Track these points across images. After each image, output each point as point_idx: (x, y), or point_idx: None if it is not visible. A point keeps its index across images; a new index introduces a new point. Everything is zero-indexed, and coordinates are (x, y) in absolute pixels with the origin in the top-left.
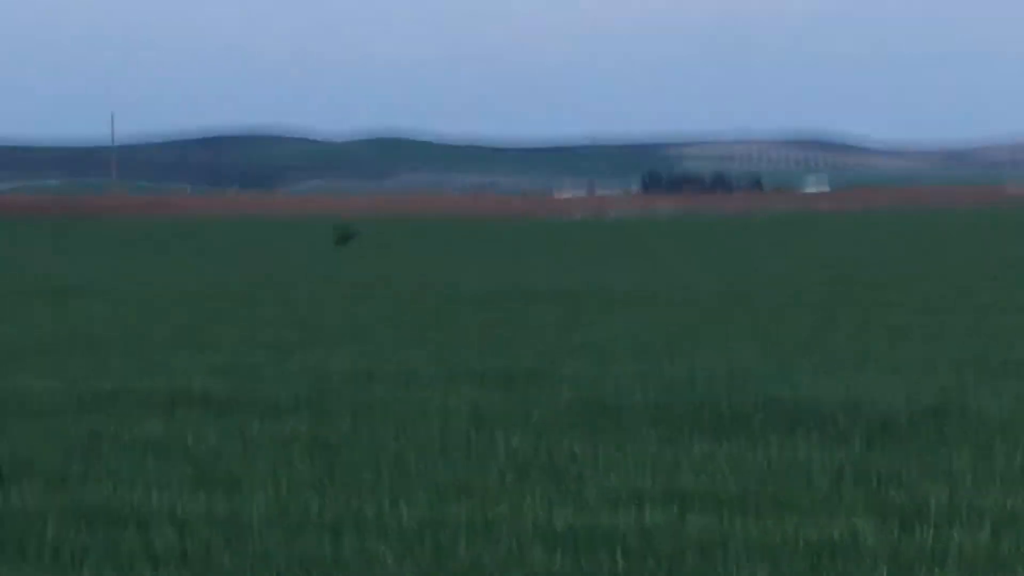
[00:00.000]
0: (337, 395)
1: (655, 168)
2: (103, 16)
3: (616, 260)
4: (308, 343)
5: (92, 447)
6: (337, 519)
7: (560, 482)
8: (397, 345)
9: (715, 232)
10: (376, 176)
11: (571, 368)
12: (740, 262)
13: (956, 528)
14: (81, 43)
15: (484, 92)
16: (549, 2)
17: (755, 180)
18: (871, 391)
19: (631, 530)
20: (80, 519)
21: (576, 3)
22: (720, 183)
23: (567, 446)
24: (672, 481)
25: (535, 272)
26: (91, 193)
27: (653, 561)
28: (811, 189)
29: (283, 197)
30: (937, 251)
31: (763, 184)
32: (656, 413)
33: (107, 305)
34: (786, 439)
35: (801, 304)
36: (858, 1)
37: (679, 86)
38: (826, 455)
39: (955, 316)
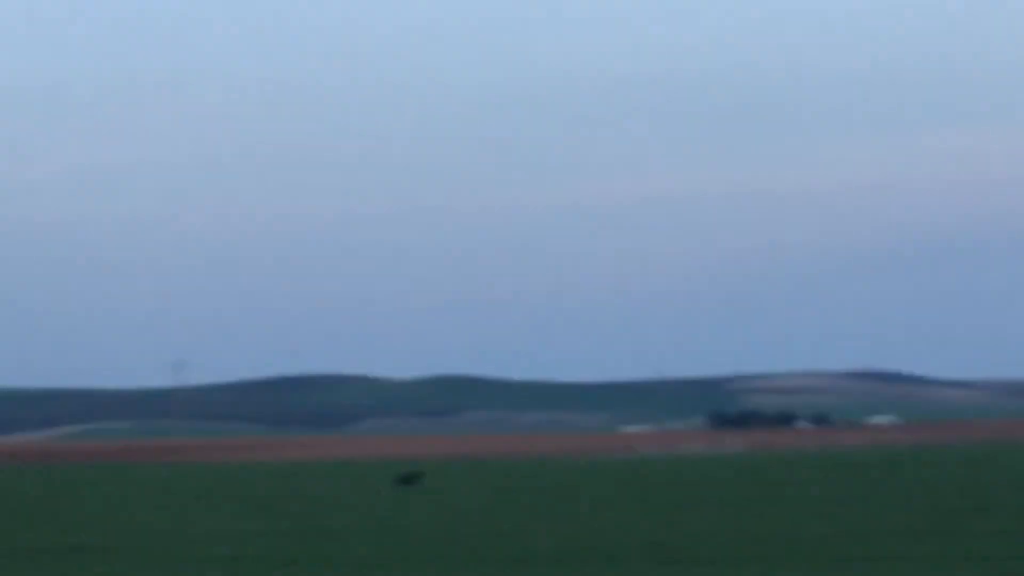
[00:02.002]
0: None
1: (721, 403)
2: (174, 271)
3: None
4: None
5: None
6: None
7: None
8: None
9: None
10: (440, 415)
11: None
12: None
13: None
14: (148, 291)
15: (547, 330)
16: (613, 241)
17: (822, 416)
18: None
19: None
20: None
21: (625, 253)
22: (787, 418)
23: None
24: None
25: (613, 523)
26: (157, 436)
27: None
28: (879, 421)
29: (345, 438)
30: None
31: (830, 420)
32: None
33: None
34: None
35: None
36: (913, 241)
37: (743, 322)
38: None
39: None
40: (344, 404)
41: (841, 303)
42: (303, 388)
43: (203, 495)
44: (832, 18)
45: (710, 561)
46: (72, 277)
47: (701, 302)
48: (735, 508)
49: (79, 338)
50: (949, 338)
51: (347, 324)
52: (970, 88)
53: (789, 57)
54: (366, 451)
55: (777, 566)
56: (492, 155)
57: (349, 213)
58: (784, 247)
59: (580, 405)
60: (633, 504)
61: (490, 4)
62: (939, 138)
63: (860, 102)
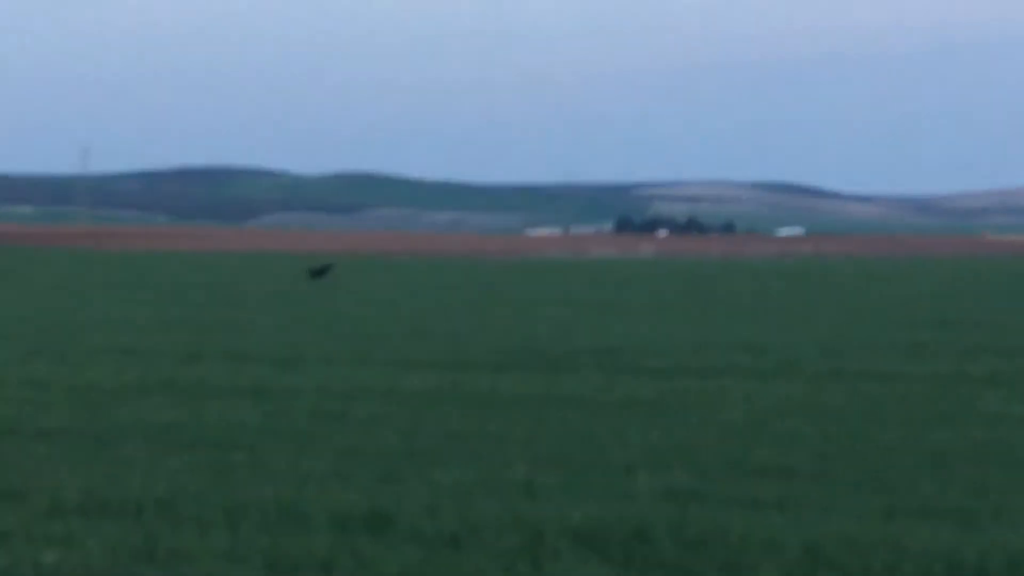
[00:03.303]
0: None
1: (627, 209)
2: (80, 52)
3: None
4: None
5: None
6: None
7: None
8: None
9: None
10: (345, 211)
11: None
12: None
13: None
14: (55, 78)
15: (457, 131)
16: (521, 45)
17: (728, 224)
18: None
19: None
20: None
21: (549, 46)
22: (694, 226)
23: None
24: None
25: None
26: (63, 223)
27: None
28: (785, 233)
29: (250, 231)
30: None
31: (736, 228)
32: None
33: None
34: None
35: None
36: (832, 52)
37: (650, 129)
38: None
39: None
40: (248, 198)
41: (750, 114)
42: (208, 180)
43: (104, 282)
44: None
45: (658, 370)
46: None
47: (612, 108)
48: (667, 313)
49: None
50: (855, 153)
51: (254, 117)
52: None
53: None
54: (271, 244)
55: (731, 374)
56: None
57: None
58: (697, 56)
59: (487, 206)
60: (557, 305)
61: None
62: None
63: None
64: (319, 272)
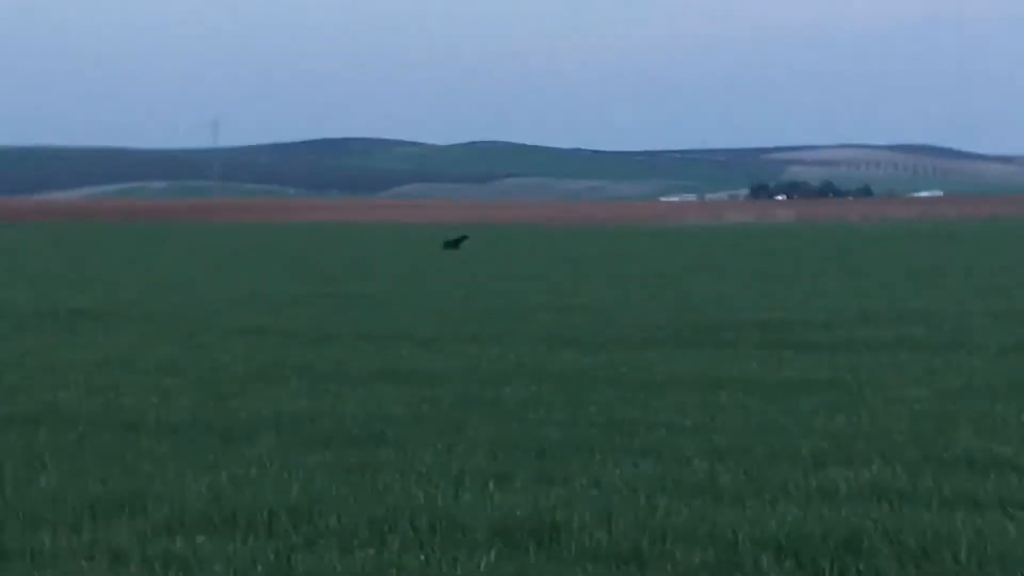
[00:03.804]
0: None
1: (761, 175)
2: (209, 23)
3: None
4: None
5: None
6: None
7: None
8: None
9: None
10: (479, 181)
11: None
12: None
13: None
14: (186, 51)
15: (588, 98)
16: (656, 10)
17: (864, 188)
18: None
19: None
20: None
21: (684, 11)
22: (830, 190)
23: None
24: None
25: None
26: (195, 196)
27: None
28: (924, 195)
29: (384, 202)
30: None
31: (873, 193)
32: None
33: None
34: None
35: None
36: (967, 10)
37: (784, 94)
38: None
39: None
40: (380, 169)
41: (885, 77)
42: (340, 151)
43: (236, 257)
44: None
45: (825, 344)
46: (109, 36)
47: (745, 74)
48: (819, 281)
49: (116, 97)
50: (993, 113)
51: (386, 88)
52: None
53: None
54: (405, 216)
55: (906, 348)
56: None
57: None
58: (830, 21)
59: (620, 174)
60: (705, 275)
61: None
62: None
63: None
64: (453, 243)
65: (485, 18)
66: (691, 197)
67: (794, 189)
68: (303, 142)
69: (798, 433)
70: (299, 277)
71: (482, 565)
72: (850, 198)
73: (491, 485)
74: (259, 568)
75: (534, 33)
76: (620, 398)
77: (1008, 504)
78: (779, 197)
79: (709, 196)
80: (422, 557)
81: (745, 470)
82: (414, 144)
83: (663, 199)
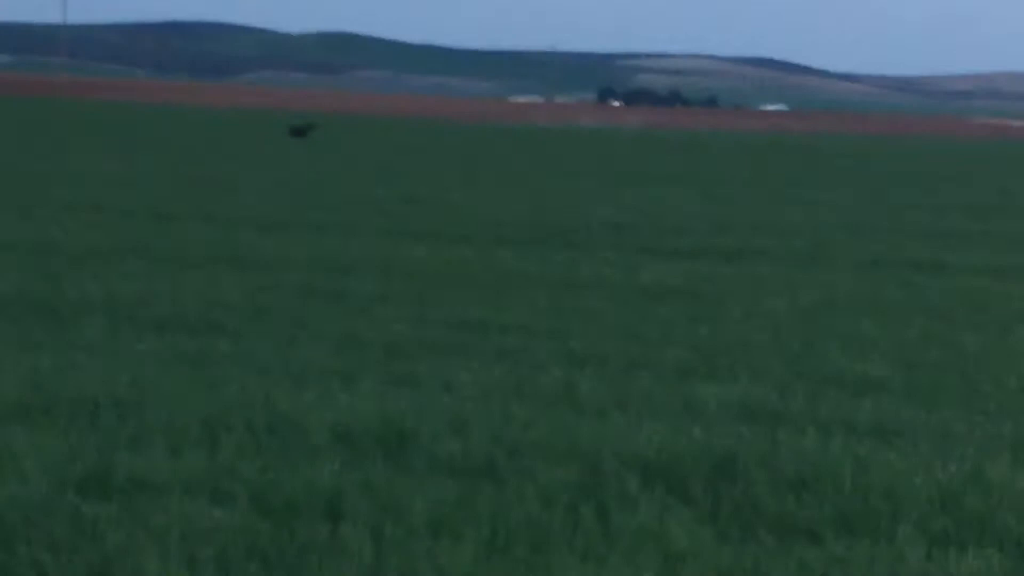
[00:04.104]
0: None
1: (609, 80)
2: None
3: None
4: None
5: None
6: None
7: None
8: None
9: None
10: (328, 71)
11: None
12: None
13: None
14: None
15: None
16: None
17: (711, 99)
18: None
19: None
20: None
21: None
22: (676, 99)
23: None
24: None
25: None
26: (40, 72)
27: None
28: (769, 108)
29: (232, 86)
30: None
31: (719, 104)
32: None
33: None
34: None
35: None
36: None
37: (635, 2)
38: None
39: None
40: (231, 54)
41: None
42: (189, 34)
43: (77, 134)
44: None
45: (682, 251)
46: None
47: None
48: (672, 187)
49: None
50: (840, 30)
51: None
52: None
53: None
54: (253, 101)
55: (764, 260)
56: None
57: None
58: None
59: (469, 71)
60: (555, 176)
61: None
62: None
63: None
64: (301, 130)
65: None
66: (539, 98)
67: (641, 96)
68: (152, 23)
69: (659, 341)
70: (141, 157)
71: (325, 475)
72: (696, 108)
73: (335, 384)
74: (78, 466)
75: None
76: (471, 297)
77: (886, 431)
78: (615, 103)
79: (557, 99)
80: (259, 463)
81: (605, 379)
82: (263, 31)
83: (511, 99)
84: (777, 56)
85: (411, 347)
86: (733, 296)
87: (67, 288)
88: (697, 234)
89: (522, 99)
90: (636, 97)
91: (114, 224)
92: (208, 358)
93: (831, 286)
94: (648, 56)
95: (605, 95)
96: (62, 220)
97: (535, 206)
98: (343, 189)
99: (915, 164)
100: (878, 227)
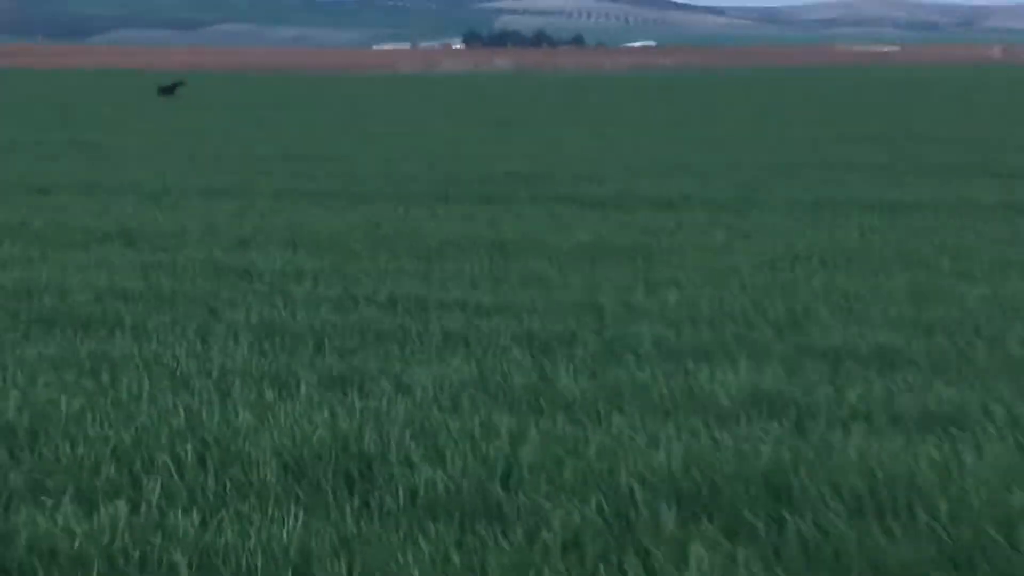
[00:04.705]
0: None
1: (476, 25)
2: None
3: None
4: None
5: None
6: None
7: None
8: None
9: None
10: (189, 27)
11: None
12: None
13: None
14: None
15: None
16: None
17: (577, 37)
18: None
19: None
20: None
21: None
22: (543, 39)
23: None
24: None
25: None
26: None
27: None
28: (636, 44)
29: (93, 48)
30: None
31: (585, 42)
32: None
33: None
34: None
35: None
36: None
37: None
38: None
39: None
40: (89, 14)
41: None
42: None
43: None
44: None
45: (605, 201)
46: None
47: None
48: (563, 132)
49: None
50: None
51: None
52: None
53: None
54: (115, 61)
55: (695, 207)
56: None
57: None
58: None
59: (331, 21)
60: (452, 125)
61: None
62: None
63: None
64: (169, 89)
65: None
66: (405, 45)
67: (506, 38)
68: None
69: (625, 316)
70: (4, 124)
71: (286, 530)
72: (563, 47)
73: (268, 393)
74: None
75: None
76: (396, 268)
77: (944, 422)
78: (454, 43)
79: (422, 44)
80: (197, 515)
81: (585, 370)
82: None
83: (376, 47)
84: None
85: (344, 336)
86: (684, 252)
87: None
88: (613, 181)
89: (387, 46)
90: (502, 39)
91: None
92: (109, 362)
93: (781, 234)
94: None
95: (470, 39)
96: None
97: (429, 158)
98: (223, 149)
99: (791, 95)
100: (799, 163)
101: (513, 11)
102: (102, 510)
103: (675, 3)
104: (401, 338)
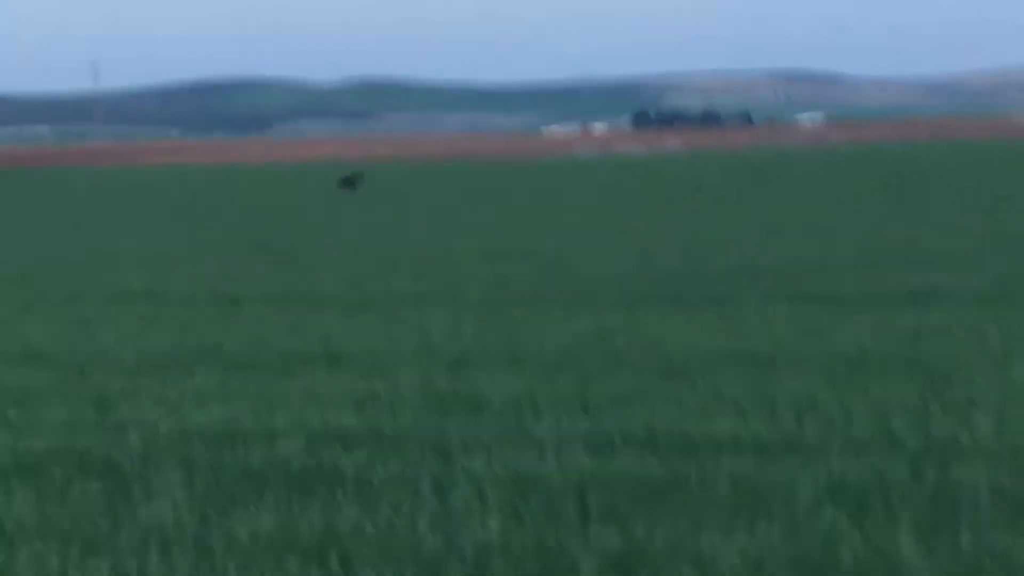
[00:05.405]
0: None
1: (643, 105)
2: None
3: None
4: None
5: None
6: None
7: None
8: None
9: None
10: (362, 117)
11: None
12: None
13: None
14: None
15: (466, 30)
16: None
17: (745, 115)
18: None
19: None
20: None
21: None
22: (711, 119)
23: None
24: None
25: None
26: (77, 141)
27: None
28: (807, 120)
29: (272, 142)
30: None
31: (753, 119)
32: None
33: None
34: None
35: None
36: None
37: (659, 24)
38: None
39: None
40: (263, 109)
41: (753, 2)
42: (220, 93)
43: (126, 202)
44: None
45: (861, 296)
46: None
47: (620, 2)
48: (770, 217)
49: None
50: (863, 35)
51: (263, 26)
52: None
53: None
54: (294, 154)
55: (948, 301)
56: None
57: None
58: None
59: (502, 106)
60: (659, 213)
61: None
62: None
63: None
64: (350, 181)
65: None
66: (574, 127)
67: (675, 117)
68: (182, 85)
69: (938, 454)
70: (186, 224)
71: None
72: (732, 125)
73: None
74: None
75: None
76: (642, 391)
77: None
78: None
79: (592, 126)
80: None
81: (923, 537)
82: (293, 83)
83: (546, 129)
84: (807, 67)
85: (611, 492)
86: (965, 360)
87: (122, 421)
88: (847, 273)
89: (557, 129)
90: (670, 119)
91: (176, 318)
92: (337, 540)
93: None
94: (677, 77)
95: (639, 119)
96: (110, 315)
97: (637, 248)
98: (417, 248)
99: (988, 167)
100: None
101: (680, 91)
102: None
103: (835, 75)
104: (682, 492)
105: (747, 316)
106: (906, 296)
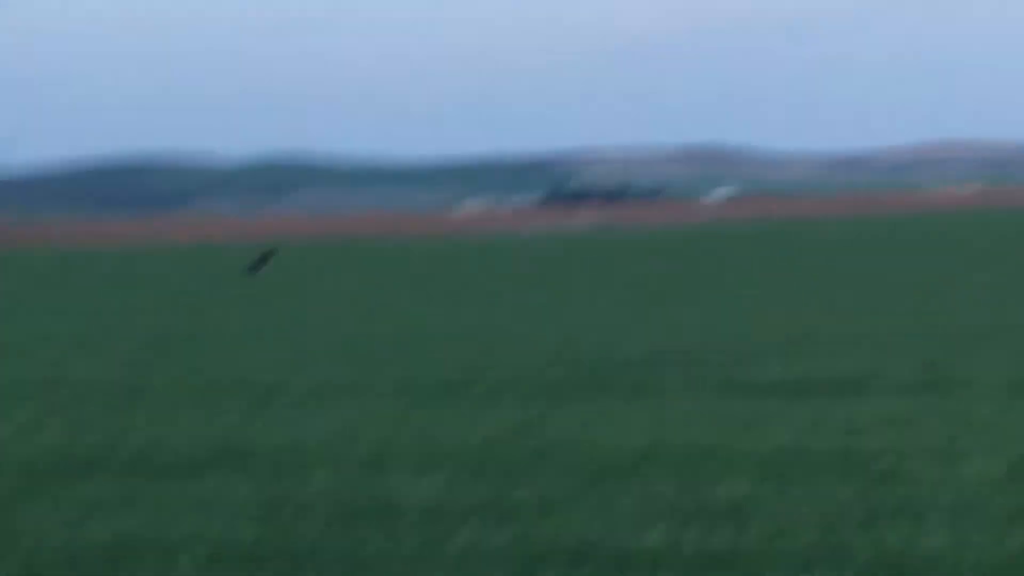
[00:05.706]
0: None
1: (556, 179)
2: None
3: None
4: None
5: None
6: None
7: None
8: None
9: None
10: (270, 195)
11: None
12: None
13: None
14: None
15: (371, 108)
16: (445, 19)
17: (655, 189)
18: None
19: None
20: None
21: (463, 27)
22: (622, 194)
23: None
24: None
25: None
26: None
27: None
28: (718, 196)
29: (177, 220)
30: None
31: (663, 194)
32: None
33: None
34: None
35: None
36: (745, 14)
37: (573, 97)
38: None
39: None
40: (167, 187)
41: (663, 77)
42: (125, 173)
43: (35, 284)
44: None
45: (776, 383)
46: None
47: (531, 79)
48: (682, 297)
49: None
50: (784, 110)
51: (169, 104)
52: None
53: None
54: (199, 233)
55: (879, 389)
56: None
57: None
58: (612, 22)
59: (413, 183)
60: (565, 296)
61: None
62: None
63: None
64: (260, 262)
65: (263, 24)
66: (485, 204)
67: (587, 192)
68: (83, 166)
69: (893, 570)
70: (97, 312)
71: None
72: (640, 200)
73: None
74: None
75: (319, 43)
76: (569, 498)
77: None
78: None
79: (506, 202)
80: None
81: None
82: (198, 161)
83: (462, 203)
84: (718, 144)
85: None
86: (907, 458)
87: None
88: (770, 359)
89: (471, 203)
90: (581, 194)
91: (70, 411)
92: None
93: (1009, 423)
94: (589, 151)
95: (553, 195)
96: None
97: (548, 335)
98: (325, 334)
99: (901, 245)
100: (992, 327)
101: (590, 168)
102: None
103: (751, 149)
104: None
105: (675, 407)
106: (837, 384)
